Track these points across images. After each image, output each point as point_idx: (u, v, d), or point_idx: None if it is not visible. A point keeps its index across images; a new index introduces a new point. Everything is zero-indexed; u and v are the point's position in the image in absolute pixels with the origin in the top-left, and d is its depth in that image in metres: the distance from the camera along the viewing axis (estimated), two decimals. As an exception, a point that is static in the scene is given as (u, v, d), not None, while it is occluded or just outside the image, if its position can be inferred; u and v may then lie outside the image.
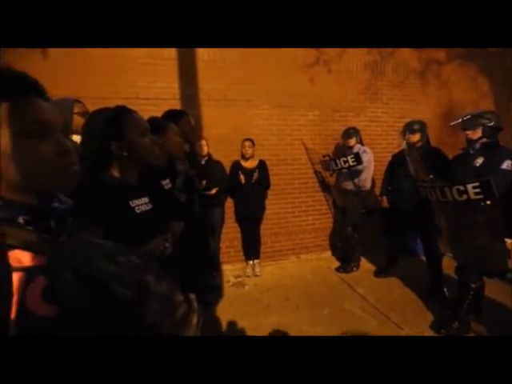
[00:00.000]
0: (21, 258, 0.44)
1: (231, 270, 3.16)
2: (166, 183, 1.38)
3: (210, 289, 2.72)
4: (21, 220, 0.46)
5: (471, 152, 2.03)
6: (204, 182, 2.53)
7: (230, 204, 3.14)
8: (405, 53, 3.63)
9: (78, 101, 1.49)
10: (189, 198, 1.69)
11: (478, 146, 1.99)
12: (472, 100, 3.92)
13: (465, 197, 1.73)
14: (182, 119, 1.79)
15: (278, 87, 3.20)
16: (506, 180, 1.76)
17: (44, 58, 2.63)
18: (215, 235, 2.94)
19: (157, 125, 1.28)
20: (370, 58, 3.51)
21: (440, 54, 3.81)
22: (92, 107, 2.72)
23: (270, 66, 3.14)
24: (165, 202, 1.25)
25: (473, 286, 1.94)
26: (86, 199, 0.80)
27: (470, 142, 2.02)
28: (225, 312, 2.33)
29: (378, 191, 3.15)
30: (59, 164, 0.51)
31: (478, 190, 1.68)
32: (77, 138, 1.39)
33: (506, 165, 1.80)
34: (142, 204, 0.98)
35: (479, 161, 1.95)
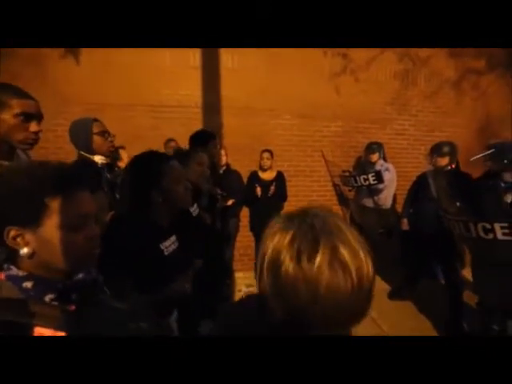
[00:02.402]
0: (43, 332, 0.49)
1: (243, 278, 3.20)
2: (194, 209, 1.42)
3: (221, 298, 2.78)
4: (47, 299, 0.52)
5: (502, 185, 1.89)
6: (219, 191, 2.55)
7: (245, 213, 3.16)
8: (440, 61, 3.41)
9: (96, 120, 1.50)
10: (212, 215, 1.73)
11: (510, 179, 1.85)
12: (510, 114, 3.63)
13: (491, 236, 1.63)
14: (210, 143, 1.82)
15: (302, 96, 3.12)
16: None
17: (77, 66, 2.73)
18: (229, 245, 2.98)
19: (181, 156, 1.32)
20: (401, 67, 3.33)
21: (479, 62, 3.54)
22: (118, 114, 2.83)
23: (294, 74, 3.07)
24: (191, 231, 1.28)
25: (495, 328, 1.85)
26: (120, 241, 0.85)
27: (502, 176, 1.88)
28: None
29: (399, 207, 3.04)
30: (87, 248, 0.56)
31: (506, 231, 1.57)
32: (98, 158, 1.44)
33: None
34: (170, 244, 1.03)
35: (510, 197, 1.82)
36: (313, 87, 3.13)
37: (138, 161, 1.00)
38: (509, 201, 1.83)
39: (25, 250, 0.49)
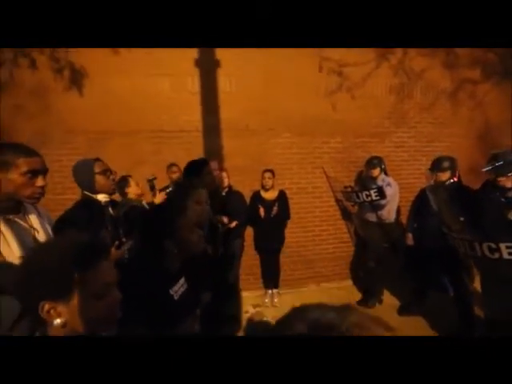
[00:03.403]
0: None
1: (250, 297, 3.18)
2: None
3: (227, 318, 2.76)
4: None
5: (503, 200, 1.88)
6: (225, 219, 2.56)
7: (249, 232, 3.16)
8: (435, 73, 3.45)
9: (97, 160, 1.52)
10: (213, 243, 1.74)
11: (510, 195, 1.85)
12: (509, 121, 3.64)
13: (497, 255, 1.62)
14: (204, 170, 1.84)
15: (300, 115, 3.17)
16: None
17: (80, 97, 2.82)
18: (234, 265, 2.97)
19: (180, 196, 1.34)
20: (397, 81, 3.38)
21: (474, 72, 3.58)
22: (120, 141, 2.89)
23: (291, 93, 3.13)
24: (198, 269, 1.29)
25: None
26: (131, 288, 0.86)
27: (503, 189, 1.87)
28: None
29: (403, 219, 3.02)
30: (109, 314, 0.61)
31: None
32: (101, 197, 1.47)
33: None
34: (179, 288, 1.03)
35: None
36: (310, 105, 3.18)
37: (154, 211, 1.03)
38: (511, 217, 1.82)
39: (58, 321, 0.54)
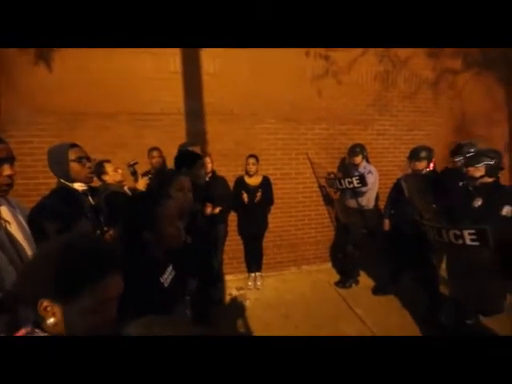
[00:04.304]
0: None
1: (234, 280, 3.26)
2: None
3: (212, 301, 2.82)
4: None
5: (470, 189, 2.00)
6: (209, 208, 2.55)
7: (233, 217, 3.18)
8: (419, 62, 3.49)
9: (73, 145, 1.39)
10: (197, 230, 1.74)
11: (478, 184, 1.96)
12: (486, 111, 3.80)
13: (460, 241, 1.74)
14: (197, 163, 1.81)
15: (285, 100, 3.13)
16: (503, 227, 1.75)
17: (49, 73, 2.61)
18: (218, 250, 3.01)
19: (161, 183, 1.31)
20: (382, 69, 3.38)
21: (456, 62, 3.65)
22: (98, 122, 2.74)
23: (277, 78, 3.07)
24: (183, 254, 1.29)
25: (468, 322, 1.99)
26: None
27: (471, 178, 1.98)
28: (226, 330, 2.44)
29: (382, 205, 3.14)
30: (104, 329, 0.60)
31: (473, 237, 1.69)
32: (78, 186, 1.40)
33: (505, 211, 1.78)
34: (168, 275, 1.03)
35: (478, 202, 1.93)
36: (296, 90, 3.14)
37: (133, 202, 1.00)
38: (476, 206, 1.94)
39: (51, 320, 0.55)
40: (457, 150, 2.50)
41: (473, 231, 1.66)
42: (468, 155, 1.99)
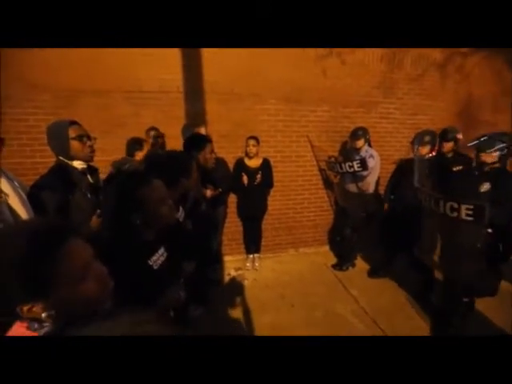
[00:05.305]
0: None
1: (232, 261, 3.32)
2: (180, 214, 1.41)
3: (211, 282, 2.88)
4: None
5: (476, 173, 1.98)
6: (208, 191, 2.53)
7: (232, 199, 3.18)
8: (427, 42, 3.35)
9: (73, 123, 1.37)
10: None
11: (487, 169, 1.94)
12: (493, 95, 3.70)
13: (455, 214, 1.75)
14: (206, 147, 1.80)
15: (287, 80, 3.04)
16: (508, 215, 1.75)
17: (43, 50, 2.50)
18: (217, 231, 3.03)
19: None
20: (388, 49, 3.26)
21: (465, 43, 3.51)
22: (92, 101, 2.67)
23: (279, 57, 2.95)
24: (179, 237, 1.28)
25: (465, 300, 2.04)
26: (108, 264, 0.85)
27: (482, 164, 1.95)
28: (224, 309, 2.51)
29: (382, 189, 3.14)
30: (102, 286, 0.59)
31: (470, 212, 1.69)
32: (77, 164, 1.39)
33: None
34: (158, 258, 1.02)
35: (486, 187, 1.92)
36: (298, 70, 3.04)
37: (119, 184, 0.97)
38: (482, 190, 1.93)
39: (44, 315, 0.50)
40: (444, 135, 2.54)
41: (471, 206, 1.67)
42: (482, 139, 1.94)
